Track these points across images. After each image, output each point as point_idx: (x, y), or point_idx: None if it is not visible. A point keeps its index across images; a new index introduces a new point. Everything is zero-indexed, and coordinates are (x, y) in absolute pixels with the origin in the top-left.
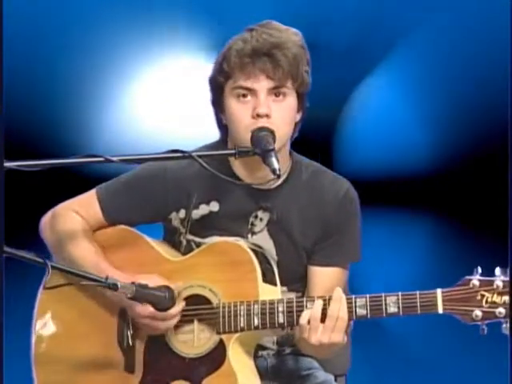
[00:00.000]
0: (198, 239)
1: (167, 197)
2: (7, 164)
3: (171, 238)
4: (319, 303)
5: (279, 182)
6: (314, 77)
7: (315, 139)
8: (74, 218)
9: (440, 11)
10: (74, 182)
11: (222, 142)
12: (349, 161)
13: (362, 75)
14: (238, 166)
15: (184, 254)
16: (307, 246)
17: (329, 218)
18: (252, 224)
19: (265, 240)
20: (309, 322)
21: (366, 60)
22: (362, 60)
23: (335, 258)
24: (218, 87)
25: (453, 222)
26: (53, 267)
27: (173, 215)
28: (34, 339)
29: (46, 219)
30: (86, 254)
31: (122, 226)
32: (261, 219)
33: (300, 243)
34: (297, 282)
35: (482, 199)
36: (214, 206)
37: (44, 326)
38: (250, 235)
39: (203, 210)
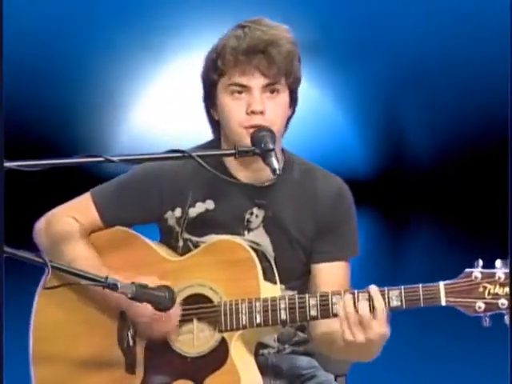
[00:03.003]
0: (194, 238)
1: (163, 196)
2: (7, 164)
3: (167, 239)
4: (349, 297)
5: (272, 178)
6: None
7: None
8: (69, 222)
9: (437, 7)
10: (74, 181)
11: (216, 141)
12: (341, 160)
13: (351, 72)
14: (233, 165)
15: (182, 254)
16: (303, 243)
17: (323, 214)
18: (248, 221)
19: (261, 236)
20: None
21: (355, 56)
22: (350, 56)
23: (337, 253)
24: (211, 84)
25: (448, 222)
26: (53, 267)
27: (168, 214)
28: (31, 339)
29: (40, 225)
30: (83, 259)
31: (118, 227)
32: (256, 216)
33: (296, 239)
34: (294, 279)
35: (477, 199)
36: (210, 204)
37: (42, 325)
38: (246, 232)
39: (199, 207)
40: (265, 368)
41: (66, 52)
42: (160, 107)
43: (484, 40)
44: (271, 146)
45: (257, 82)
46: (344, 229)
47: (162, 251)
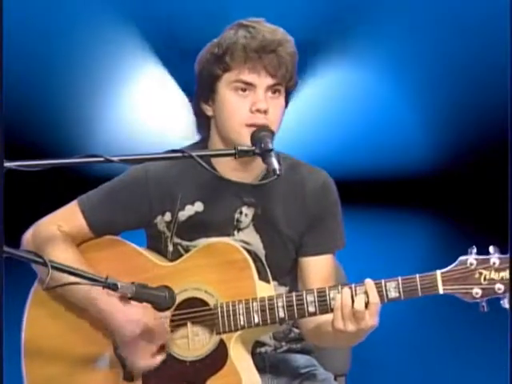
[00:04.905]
0: (185, 242)
1: (151, 201)
2: (7, 164)
3: (156, 244)
4: (347, 291)
5: (260, 176)
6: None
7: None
8: (56, 232)
9: (439, 8)
10: (74, 182)
11: (203, 141)
12: (344, 161)
13: (353, 72)
14: (221, 164)
15: (172, 260)
16: (294, 238)
17: (311, 208)
18: (237, 220)
19: (251, 235)
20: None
21: (356, 56)
22: (352, 56)
23: (325, 245)
24: (212, 78)
25: (451, 222)
26: (53, 267)
27: (158, 219)
28: (24, 339)
29: (27, 236)
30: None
31: (107, 236)
32: (246, 215)
33: (286, 235)
34: (286, 275)
35: (481, 200)
36: (199, 206)
37: (35, 337)
38: (236, 232)
39: (189, 210)
40: (262, 367)
41: (53, 51)
42: (147, 106)
43: (485, 40)
44: (271, 146)
45: (263, 81)
46: (330, 222)
47: (153, 257)
